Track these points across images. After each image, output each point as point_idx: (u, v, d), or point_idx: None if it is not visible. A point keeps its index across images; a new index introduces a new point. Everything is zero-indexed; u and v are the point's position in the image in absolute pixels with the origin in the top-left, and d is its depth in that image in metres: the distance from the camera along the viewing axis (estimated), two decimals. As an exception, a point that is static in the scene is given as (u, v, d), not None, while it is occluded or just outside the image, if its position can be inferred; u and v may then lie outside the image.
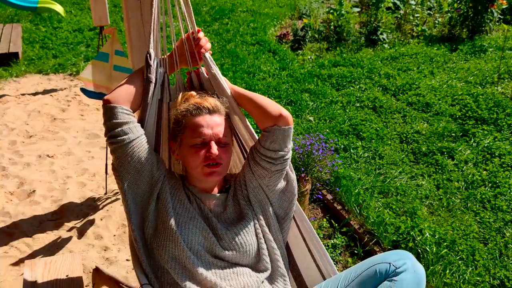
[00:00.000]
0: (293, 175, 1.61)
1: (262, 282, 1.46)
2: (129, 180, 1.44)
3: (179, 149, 1.53)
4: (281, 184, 1.58)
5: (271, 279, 1.51)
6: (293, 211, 1.61)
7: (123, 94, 1.45)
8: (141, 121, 1.49)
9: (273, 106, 1.52)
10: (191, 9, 1.52)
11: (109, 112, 1.41)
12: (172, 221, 1.41)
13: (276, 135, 1.50)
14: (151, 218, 1.46)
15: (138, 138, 1.43)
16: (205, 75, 1.60)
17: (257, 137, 1.59)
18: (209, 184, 1.55)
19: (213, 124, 1.50)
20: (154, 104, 1.53)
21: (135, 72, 1.54)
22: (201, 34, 1.56)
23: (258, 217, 1.54)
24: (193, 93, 1.56)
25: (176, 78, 1.61)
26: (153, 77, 1.49)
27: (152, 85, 1.49)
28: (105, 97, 1.44)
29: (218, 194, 1.56)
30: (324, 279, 1.58)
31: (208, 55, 1.56)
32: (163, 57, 1.55)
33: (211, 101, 1.52)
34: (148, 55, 1.48)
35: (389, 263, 1.36)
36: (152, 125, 1.54)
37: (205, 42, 1.56)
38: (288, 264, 1.62)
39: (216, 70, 1.56)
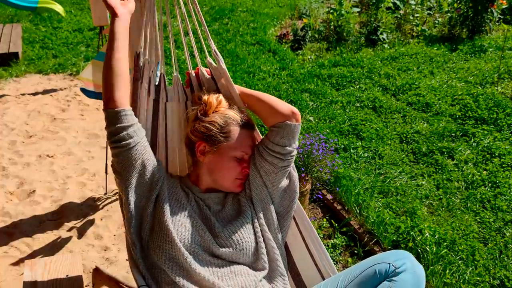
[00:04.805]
0: (295, 174, 1.63)
1: (260, 281, 1.46)
2: (132, 183, 1.43)
3: (215, 154, 1.53)
4: (285, 182, 1.59)
5: (270, 278, 1.50)
6: (293, 209, 1.61)
7: (123, 95, 1.42)
8: None
9: (283, 104, 1.54)
10: (198, 6, 1.51)
11: (112, 116, 1.39)
12: (169, 221, 1.41)
13: (287, 131, 1.51)
14: (149, 219, 1.46)
15: (141, 141, 1.43)
16: (206, 75, 1.59)
17: (260, 136, 1.62)
18: (218, 187, 1.57)
19: (253, 142, 1.58)
20: (144, 103, 1.54)
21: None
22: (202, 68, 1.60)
23: (258, 215, 1.54)
24: (220, 96, 1.56)
25: (174, 78, 1.60)
26: (139, 75, 1.51)
27: (138, 84, 1.51)
28: (105, 101, 1.39)
29: (217, 193, 1.57)
30: (323, 279, 1.58)
31: (216, 50, 1.56)
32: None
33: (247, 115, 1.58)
34: (136, 55, 1.50)
35: (389, 263, 1.36)
36: (145, 126, 1.55)
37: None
38: (287, 264, 1.61)
39: (225, 67, 1.57)
